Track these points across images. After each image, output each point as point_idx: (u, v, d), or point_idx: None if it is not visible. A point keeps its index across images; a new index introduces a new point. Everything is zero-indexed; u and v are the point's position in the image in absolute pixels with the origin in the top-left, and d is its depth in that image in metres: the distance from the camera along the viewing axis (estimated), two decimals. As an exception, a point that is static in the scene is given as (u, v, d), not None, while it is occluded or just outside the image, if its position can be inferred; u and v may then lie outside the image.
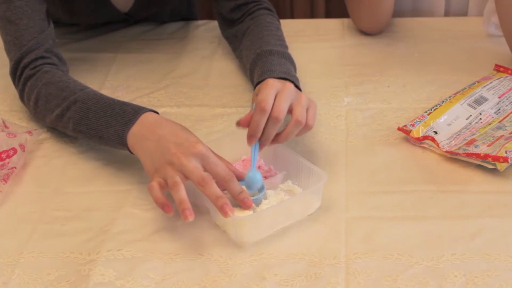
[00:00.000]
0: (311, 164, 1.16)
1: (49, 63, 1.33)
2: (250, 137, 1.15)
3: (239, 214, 1.12)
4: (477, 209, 1.15)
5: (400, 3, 1.67)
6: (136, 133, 1.17)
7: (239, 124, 1.17)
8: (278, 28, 1.43)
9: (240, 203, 1.10)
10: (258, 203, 1.14)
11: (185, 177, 1.09)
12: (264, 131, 1.15)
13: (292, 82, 1.23)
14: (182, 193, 1.08)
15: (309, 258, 1.07)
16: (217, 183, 1.10)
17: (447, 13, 1.69)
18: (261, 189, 1.15)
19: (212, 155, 1.11)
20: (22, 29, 1.33)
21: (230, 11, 1.47)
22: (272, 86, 1.17)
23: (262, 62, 1.30)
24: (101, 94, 1.25)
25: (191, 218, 1.06)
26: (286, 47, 1.37)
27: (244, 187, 1.13)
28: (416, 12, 1.69)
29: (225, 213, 1.06)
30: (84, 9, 1.56)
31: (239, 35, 1.45)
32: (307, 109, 1.17)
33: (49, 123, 1.30)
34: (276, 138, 1.17)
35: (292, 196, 1.15)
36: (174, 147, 1.11)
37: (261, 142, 1.16)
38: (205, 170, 1.10)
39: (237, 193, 1.10)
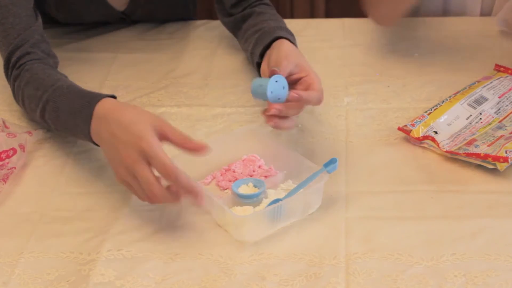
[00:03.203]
0: (311, 163, 1.16)
1: (33, 59, 1.32)
2: (295, 94, 1.15)
3: (239, 213, 1.12)
4: (477, 209, 1.15)
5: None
6: (95, 131, 1.14)
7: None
8: (284, 22, 1.44)
9: (194, 199, 1.06)
10: (258, 201, 1.14)
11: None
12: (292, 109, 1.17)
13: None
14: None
15: (309, 258, 1.07)
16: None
17: (447, 13, 1.69)
18: (261, 186, 1.15)
19: (157, 151, 1.05)
20: (9, 28, 1.33)
21: (231, 7, 1.48)
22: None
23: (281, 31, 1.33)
24: (68, 86, 1.23)
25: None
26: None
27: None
28: (417, 12, 1.69)
29: (199, 203, 1.06)
30: (78, 6, 1.56)
31: (242, 19, 1.46)
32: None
33: (39, 123, 1.30)
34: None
35: (292, 196, 1.15)
36: (123, 148, 1.08)
37: (280, 109, 1.15)
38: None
39: (188, 188, 1.06)
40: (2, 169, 1.23)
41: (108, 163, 1.13)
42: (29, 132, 1.30)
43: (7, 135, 1.27)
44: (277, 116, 1.15)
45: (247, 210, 1.13)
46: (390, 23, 1.54)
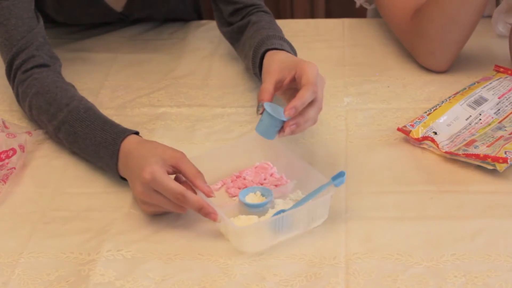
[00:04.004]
0: (320, 175, 1.14)
1: (39, 65, 1.32)
2: (291, 109, 1.11)
3: (243, 223, 1.11)
4: (477, 209, 1.15)
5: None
6: (121, 167, 1.18)
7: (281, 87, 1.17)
8: (280, 29, 1.43)
9: (207, 217, 1.09)
10: (264, 211, 1.14)
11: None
12: (305, 113, 1.14)
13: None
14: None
15: (309, 258, 1.07)
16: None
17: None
18: (268, 196, 1.15)
19: (160, 178, 1.08)
20: (11, 30, 1.32)
21: (229, 15, 1.47)
22: (317, 72, 1.16)
23: (275, 39, 1.31)
24: (85, 109, 1.25)
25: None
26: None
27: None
28: None
29: (213, 219, 1.09)
30: (77, 9, 1.56)
31: (239, 30, 1.45)
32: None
33: (46, 131, 1.32)
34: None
35: (297, 207, 1.11)
36: (134, 181, 1.12)
37: (297, 121, 1.13)
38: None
39: (198, 210, 1.09)
40: (1, 170, 1.23)
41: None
42: (29, 132, 1.30)
43: (7, 135, 1.27)
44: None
45: (252, 219, 1.11)
46: (447, 66, 1.48)
